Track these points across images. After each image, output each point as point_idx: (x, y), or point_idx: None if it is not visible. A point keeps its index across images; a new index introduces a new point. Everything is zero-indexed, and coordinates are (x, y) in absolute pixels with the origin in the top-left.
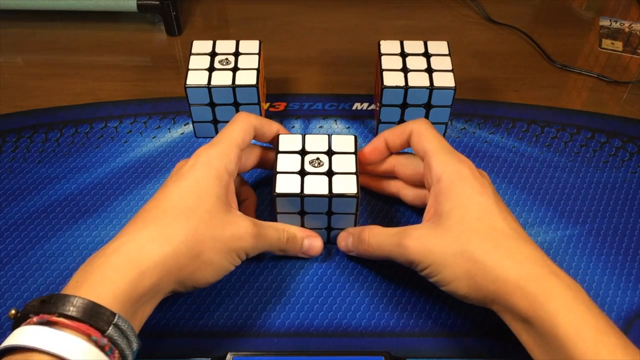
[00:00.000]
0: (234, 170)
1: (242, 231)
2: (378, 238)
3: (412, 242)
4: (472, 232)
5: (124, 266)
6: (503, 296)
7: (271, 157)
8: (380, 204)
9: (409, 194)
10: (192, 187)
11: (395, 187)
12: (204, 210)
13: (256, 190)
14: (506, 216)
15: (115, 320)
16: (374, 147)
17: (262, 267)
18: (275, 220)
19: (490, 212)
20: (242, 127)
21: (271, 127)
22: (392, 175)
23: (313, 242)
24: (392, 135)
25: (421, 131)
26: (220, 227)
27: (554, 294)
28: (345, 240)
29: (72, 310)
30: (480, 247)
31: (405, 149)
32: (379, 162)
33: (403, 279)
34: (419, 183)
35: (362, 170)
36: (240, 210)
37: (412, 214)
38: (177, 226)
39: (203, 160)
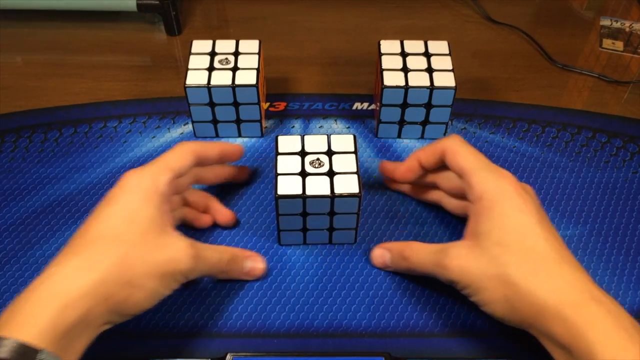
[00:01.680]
0: (167, 192)
1: (180, 253)
2: (420, 256)
3: (451, 262)
4: (511, 255)
5: (46, 300)
6: (542, 321)
7: (229, 172)
8: (382, 204)
9: (451, 203)
10: (121, 211)
11: (438, 195)
12: (135, 234)
13: (255, 192)
14: (548, 236)
15: (39, 356)
16: (407, 167)
17: None
18: (277, 222)
19: (532, 232)
20: (178, 152)
21: (213, 148)
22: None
23: (255, 264)
24: (425, 155)
25: (455, 149)
26: (153, 250)
27: (593, 322)
28: (383, 257)
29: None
30: (518, 270)
31: (440, 165)
32: (417, 178)
33: (403, 279)
34: (462, 195)
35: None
36: (207, 220)
37: (414, 211)
38: (105, 253)
39: (132, 183)
